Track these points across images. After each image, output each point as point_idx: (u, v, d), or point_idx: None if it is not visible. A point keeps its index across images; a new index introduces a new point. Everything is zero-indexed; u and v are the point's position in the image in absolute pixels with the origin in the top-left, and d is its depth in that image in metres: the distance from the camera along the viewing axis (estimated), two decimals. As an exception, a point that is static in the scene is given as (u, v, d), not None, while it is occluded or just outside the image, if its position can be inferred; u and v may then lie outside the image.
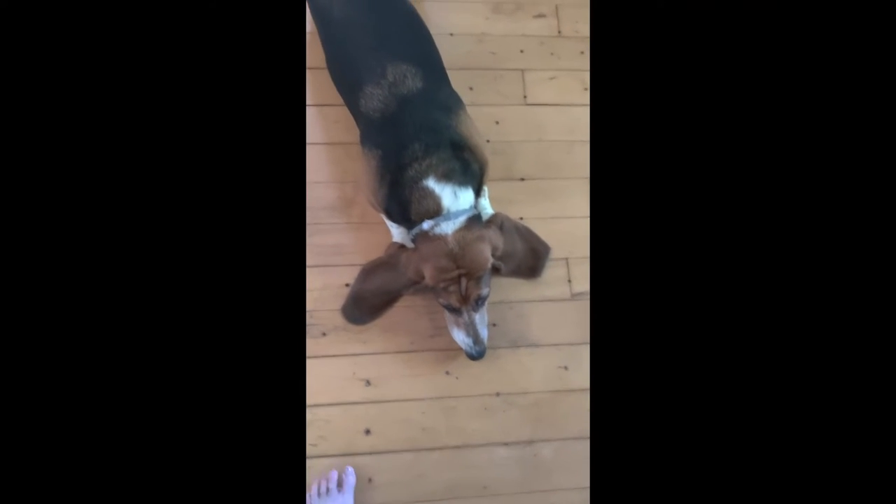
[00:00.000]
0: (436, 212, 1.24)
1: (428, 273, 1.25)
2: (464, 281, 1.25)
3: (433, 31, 1.73)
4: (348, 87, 1.37)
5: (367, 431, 1.40)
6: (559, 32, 1.77)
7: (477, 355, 1.33)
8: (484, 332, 1.34)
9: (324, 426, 1.39)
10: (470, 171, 1.29)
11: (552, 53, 1.75)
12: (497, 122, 1.66)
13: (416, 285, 1.31)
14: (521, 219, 1.56)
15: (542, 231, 1.44)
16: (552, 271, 1.54)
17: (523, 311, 1.52)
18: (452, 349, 1.45)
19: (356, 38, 1.33)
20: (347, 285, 1.49)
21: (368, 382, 1.43)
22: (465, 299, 1.27)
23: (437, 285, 1.25)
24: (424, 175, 1.23)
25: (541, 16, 1.79)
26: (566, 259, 1.56)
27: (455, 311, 1.31)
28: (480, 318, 1.33)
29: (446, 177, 1.24)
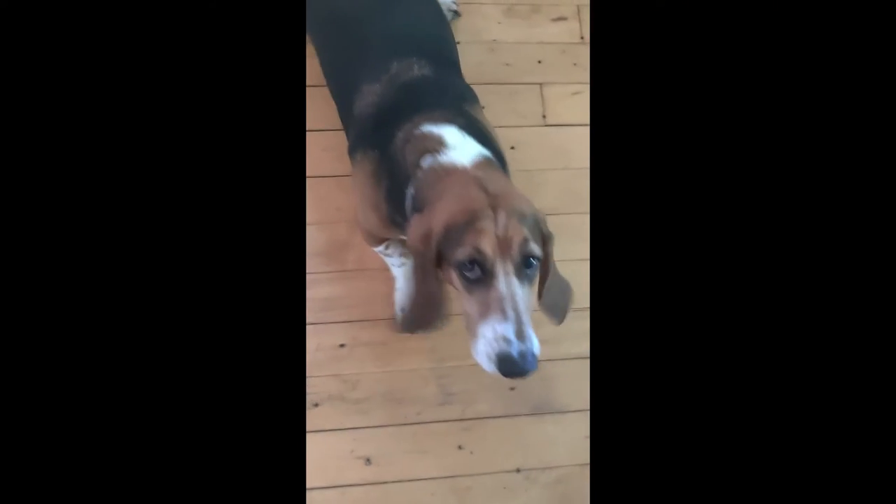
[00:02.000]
0: (436, 149, 0.93)
1: (440, 216, 0.84)
2: (502, 215, 0.82)
3: (437, 38, 1.50)
4: (344, 90, 1.13)
5: (369, 518, 1.23)
6: (582, 38, 1.55)
7: (519, 360, 0.78)
8: (530, 329, 0.82)
9: (318, 513, 1.23)
10: (483, 134, 1.00)
11: (575, 63, 1.53)
12: (513, 147, 1.45)
13: (438, 268, 0.88)
14: (543, 261, 1.36)
15: (567, 276, 1.24)
16: (579, 324, 1.34)
17: (547, 371, 1.33)
18: (465, 419, 1.28)
19: (354, 34, 1.12)
20: (342, 346, 1.30)
21: (369, 461, 1.26)
22: (504, 245, 0.81)
23: (457, 225, 0.82)
24: (419, 125, 0.96)
25: (561, 19, 1.56)
26: (595, 309, 1.36)
27: (480, 281, 0.82)
28: (524, 296, 0.83)
29: (448, 121, 0.97)
